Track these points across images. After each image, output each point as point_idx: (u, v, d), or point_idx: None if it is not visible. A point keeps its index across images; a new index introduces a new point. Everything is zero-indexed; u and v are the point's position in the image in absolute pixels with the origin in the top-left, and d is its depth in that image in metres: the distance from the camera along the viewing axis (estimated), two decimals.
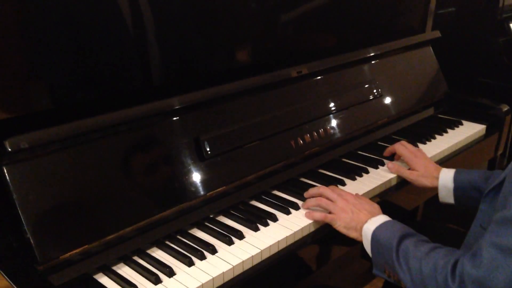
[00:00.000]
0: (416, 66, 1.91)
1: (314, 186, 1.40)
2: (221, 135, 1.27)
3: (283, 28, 1.54)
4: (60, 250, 0.99)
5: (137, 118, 1.15)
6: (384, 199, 1.40)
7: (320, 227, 1.24)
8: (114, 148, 1.10)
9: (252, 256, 1.10)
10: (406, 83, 1.85)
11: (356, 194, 1.26)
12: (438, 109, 1.98)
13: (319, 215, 1.21)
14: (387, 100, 1.73)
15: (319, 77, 1.55)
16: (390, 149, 1.54)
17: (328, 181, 1.40)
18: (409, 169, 1.44)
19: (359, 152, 1.62)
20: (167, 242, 1.15)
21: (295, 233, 1.19)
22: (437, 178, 1.36)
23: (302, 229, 1.20)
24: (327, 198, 1.23)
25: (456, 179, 1.34)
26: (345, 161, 1.56)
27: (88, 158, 1.07)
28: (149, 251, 1.12)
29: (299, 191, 1.35)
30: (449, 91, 1.98)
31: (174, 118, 1.22)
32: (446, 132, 1.79)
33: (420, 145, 1.67)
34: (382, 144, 1.69)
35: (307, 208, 1.26)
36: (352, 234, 1.16)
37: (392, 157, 1.55)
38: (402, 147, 1.48)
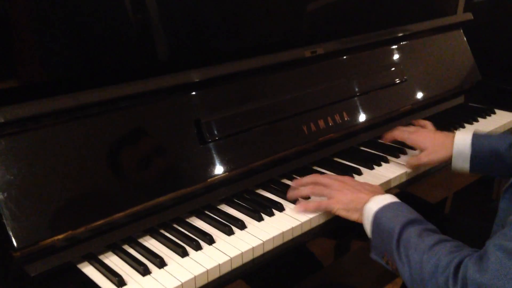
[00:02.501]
0: (446, 50, 1.77)
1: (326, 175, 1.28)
2: (226, 117, 1.17)
3: (298, 5, 1.42)
4: (41, 235, 0.91)
5: (132, 95, 1.06)
6: (405, 190, 1.28)
7: (331, 218, 1.13)
8: (105, 126, 1.02)
9: (253, 247, 1.00)
10: (434, 68, 1.70)
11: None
12: (469, 97, 1.83)
13: (312, 205, 1.09)
14: (413, 85, 1.59)
15: (336, 59, 1.43)
16: (387, 137, 1.40)
17: (343, 170, 1.29)
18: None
19: (380, 141, 1.49)
20: (161, 231, 1.06)
21: (302, 224, 1.08)
22: (450, 146, 1.23)
23: (310, 220, 1.09)
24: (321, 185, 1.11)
25: (474, 144, 1.20)
26: (363, 149, 1.44)
27: (77, 136, 0.98)
28: (140, 240, 1.03)
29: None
30: (481, 78, 1.83)
31: (175, 97, 1.13)
32: (477, 121, 1.64)
33: None
34: None
35: (297, 198, 1.13)
36: (353, 216, 1.04)
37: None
38: (399, 132, 1.36)
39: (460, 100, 1.82)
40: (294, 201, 1.15)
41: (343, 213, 1.06)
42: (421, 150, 1.29)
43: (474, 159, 1.19)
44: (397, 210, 0.97)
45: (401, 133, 1.35)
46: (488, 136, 1.20)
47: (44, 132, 0.95)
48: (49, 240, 0.91)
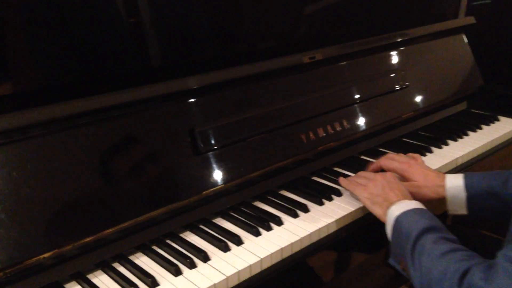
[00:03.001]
0: (448, 55, 1.73)
1: (327, 185, 1.24)
2: (221, 126, 1.12)
3: (295, 8, 1.38)
4: (26, 254, 0.86)
5: (123, 104, 1.01)
6: None
7: (332, 233, 1.08)
8: (93, 137, 0.97)
9: (250, 265, 0.95)
10: (436, 73, 1.66)
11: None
12: (471, 103, 1.79)
13: (346, 182, 1.17)
14: (414, 91, 1.55)
15: (335, 64, 1.39)
16: (374, 166, 1.25)
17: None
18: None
19: (381, 150, 1.44)
20: (154, 247, 1.00)
21: (302, 239, 1.03)
22: (442, 186, 1.13)
23: (310, 235, 1.04)
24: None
25: (468, 186, 1.10)
26: (364, 159, 1.39)
27: (63, 148, 0.93)
28: (131, 257, 0.98)
29: (310, 191, 1.20)
30: (484, 84, 1.79)
31: (168, 105, 1.08)
32: (480, 128, 1.60)
33: (451, 142, 1.48)
34: (408, 141, 1.51)
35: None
36: (376, 210, 1.04)
37: None
38: (389, 161, 1.22)
39: (462, 106, 1.78)
40: (293, 214, 1.10)
41: (367, 203, 1.07)
42: (408, 180, 1.18)
43: (471, 201, 1.11)
44: (418, 215, 0.95)
45: (390, 163, 1.21)
46: (479, 175, 1.12)
47: (29, 144, 0.90)
48: (34, 259, 0.86)
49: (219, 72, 1.14)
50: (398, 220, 0.96)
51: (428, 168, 1.19)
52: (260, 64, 1.22)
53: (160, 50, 1.14)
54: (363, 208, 1.13)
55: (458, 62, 1.76)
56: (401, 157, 1.24)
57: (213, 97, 1.14)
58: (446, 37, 1.73)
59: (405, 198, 1.03)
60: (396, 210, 0.98)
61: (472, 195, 1.10)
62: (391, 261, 0.98)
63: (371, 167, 1.26)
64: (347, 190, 1.18)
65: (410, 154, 1.28)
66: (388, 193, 1.04)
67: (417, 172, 1.16)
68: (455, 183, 1.12)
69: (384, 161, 1.23)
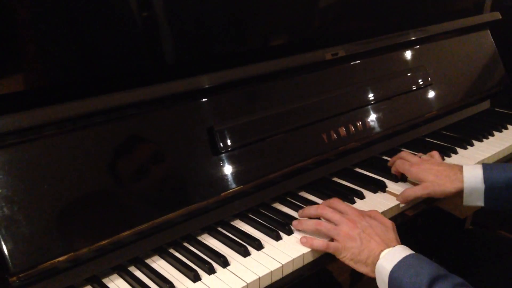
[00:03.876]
0: (472, 52, 1.67)
1: (348, 187, 1.20)
2: (240, 126, 1.08)
3: (317, 4, 1.33)
4: (40, 258, 0.83)
5: (138, 103, 0.98)
6: (433, 205, 1.18)
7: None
8: (108, 137, 0.93)
9: (271, 271, 0.91)
10: (460, 71, 1.60)
11: (361, 211, 1.01)
12: (495, 102, 1.73)
13: (318, 243, 0.96)
14: (438, 89, 1.50)
15: (358, 61, 1.34)
16: (393, 169, 1.23)
17: (365, 182, 1.20)
18: None
19: (403, 150, 1.40)
20: (171, 251, 0.97)
21: None
22: (457, 179, 1.09)
23: None
24: (329, 220, 0.99)
25: (487, 178, 1.07)
26: (387, 160, 1.34)
27: (78, 148, 0.90)
28: (148, 261, 0.95)
29: (331, 193, 1.15)
30: (509, 82, 1.73)
31: (185, 104, 1.04)
32: (506, 128, 1.54)
33: (476, 143, 1.43)
34: (430, 140, 1.46)
35: (301, 230, 1.01)
36: (362, 269, 0.92)
37: None
38: (400, 162, 1.20)
39: (486, 105, 1.72)
40: (312, 218, 1.06)
41: (350, 263, 0.94)
42: (420, 182, 1.14)
43: (489, 193, 1.07)
44: (416, 266, 0.85)
45: (402, 165, 1.19)
46: (499, 166, 1.08)
47: (43, 144, 0.86)
48: (48, 263, 0.83)
49: (238, 69, 1.10)
50: (394, 276, 0.85)
51: (440, 164, 1.16)
52: (280, 61, 1.17)
53: (175, 46, 1.10)
54: (393, 209, 1.09)
55: (483, 59, 1.70)
56: (413, 157, 1.21)
57: (232, 95, 1.10)
58: (470, 33, 1.67)
59: (386, 243, 0.91)
60: (386, 264, 0.87)
61: (491, 186, 1.07)
62: None
63: (393, 169, 1.23)
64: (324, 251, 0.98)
65: (428, 153, 1.25)
66: (368, 245, 0.92)
67: (428, 171, 1.13)
68: (474, 174, 1.08)
69: (397, 162, 1.22)
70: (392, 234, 0.95)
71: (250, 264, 0.93)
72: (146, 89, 0.99)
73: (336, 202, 1.04)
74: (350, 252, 0.93)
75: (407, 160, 1.20)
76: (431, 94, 1.48)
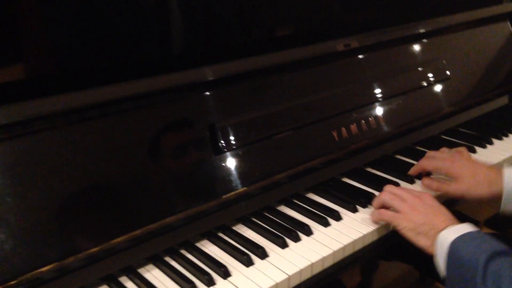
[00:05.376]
0: (490, 44, 1.57)
1: (359, 188, 1.11)
2: (243, 122, 1.00)
3: None
4: (21, 268, 0.74)
5: (135, 96, 0.89)
6: (451, 209, 1.10)
7: (369, 245, 0.96)
8: (98, 133, 0.85)
9: (277, 284, 0.83)
10: (478, 64, 1.51)
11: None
12: None
13: (378, 214, 0.96)
14: (455, 84, 1.40)
15: (372, 53, 1.25)
16: (416, 169, 1.13)
17: (378, 183, 1.11)
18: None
19: (418, 148, 1.31)
20: (167, 259, 0.89)
21: (334, 253, 0.90)
22: (496, 182, 1.00)
23: (344, 248, 0.92)
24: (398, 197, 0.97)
25: None
26: (400, 159, 1.26)
27: (65, 145, 0.82)
28: (141, 270, 0.86)
29: (341, 195, 1.07)
30: None
31: (185, 98, 0.96)
32: None
33: (496, 141, 1.34)
34: (447, 138, 1.38)
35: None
36: (421, 242, 0.89)
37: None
38: (429, 160, 1.10)
39: (503, 100, 1.62)
40: (324, 223, 0.98)
41: (410, 234, 0.91)
42: (455, 181, 1.04)
43: None
44: (479, 239, 0.82)
45: (432, 162, 1.09)
46: None
47: (28, 140, 0.78)
48: (29, 274, 0.75)
49: (242, 61, 1.01)
50: (455, 246, 0.82)
51: (476, 163, 1.06)
52: (288, 53, 1.09)
53: (173, 36, 1.02)
54: None
55: (501, 51, 1.60)
56: (442, 153, 1.11)
57: (235, 89, 1.01)
58: (489, 24, 1.58)
59: (454, 221, 0.89)
60: (448, 235, 0.84)
61: None
62: None
63: (412, 170, 1.13)
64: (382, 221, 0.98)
65: (455, 148, 1.15)
66: (433, 219, 0.89)
67: (464, 169, 1.03)
68: None
69: (424, 162, 1.11)
70: (457, 220, 0.90)
71: (253, 275, 0.84)
72: (141, 82, 0.91)
73: (405, 188, 1.02)
74: (412, 222, 0.90)
75: (436, 157, 1.10)
76: (448, 88, 1.38)
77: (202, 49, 1.04)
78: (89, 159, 0.83)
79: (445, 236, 0.84)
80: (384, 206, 0.98)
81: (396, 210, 0.94)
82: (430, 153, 1.14)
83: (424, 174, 1.13)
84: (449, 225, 0.87)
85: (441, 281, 0.86)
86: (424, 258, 0.91)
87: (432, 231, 0.88)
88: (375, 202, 1.00)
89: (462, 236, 0.83)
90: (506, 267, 0.75)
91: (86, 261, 0.81)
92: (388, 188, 1.00)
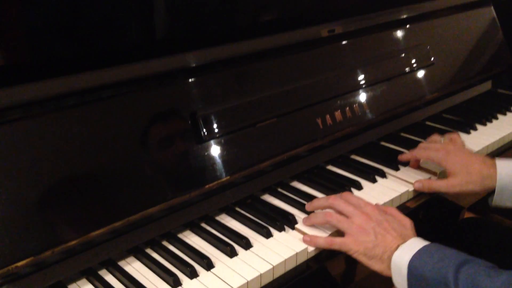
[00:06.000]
0: (474, 30, 1.56)
1: (343, 176, 1.10)
2: (226, 110, 0.97)
3: None
4: None
5: (113, 84, 0.86)
6: (435, 196, 1.09)
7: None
8: (75, 122, 0.82)
9: (261, 274, 0.81)
10: (462, 49, 1.50)
11: (377, 205, 0.91)
12: (497, 83, 1.63)
13: (323, 241, 0.86)
14: (439, 69, 1.39)
15: (356, 39, 1.23)
16: (408, 157, 1.10)
17: (363, 171, 1.10)
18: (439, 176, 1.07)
19: (403, 135, 1.30)
20: (148, 251, 0.87)
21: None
22: (490, 176, 0.98)
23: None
24: (339, 212, 0.89)
25: None
26: (385, 146, 1.25)
27: (38, 135, 0.78)
28: (121, 263, 0.84)
29: (326, 183, 1.06)
30: None
31: (165, 85, 0.93)
32: (510, 111, 1.45)
33: (480, 127, 1.34)
34: (431, 124, 1.37)
35: (310, 226, 0.91)
36: (376, 266, 0.82)
37: None
38: (422, 150, 1.07)
39: (487, 86, 1.62)
40: (307, 212, 0.96)
41: (362, 259, 0.83)
42: (448, 173, 1.02)
43: None
44: (438, 252, 0.76)
45: (425, 152, 1.06)
46: None
47: (2, 130, 0.75)
48: (5, 269, 0.72)
49: (223, 47, 0.99)
50: (414, 265, 0.76)
51: (470, 154, 1.03)
52: (271, 38, 1.06)
53: (157, 21, 0.98)
54: (394, 200, 1.01)
55: (485, 37, 1.60)
56: (436, 144, 1.09)
57: (216, 76, 0.99)
58: (472, 9, 1.57)
59: (404, 238, 0.83)
60: (403, 255, 0.78)
61: None
62: None
63: (404, 158, 1.11)
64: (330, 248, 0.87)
65: (448, 134, 1.13)
66: (383, 239, 0.82)
67: (458, 165, 1.00)
68: (509, 172, 0.96)
69: (416, 151, 1.09)
70: (410, 231, 0.85)
71: (237, 266, 0.83)
72: (119, 68, 0.88)
73: (348, 195, 0.93)
74: (363, 247, 0.82)
75: (430, 148, 1.06)
76: (432, 74, 1.37)
77: (182, 35, 1.01)
78: (65, 149, 0.80)
79: (400, 256, 0.79)
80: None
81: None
82: (423, 144, 1.12)
83: (412, 163, 1.12)
84: (400, 244, 0.81)
85: None
86: None
87: (385, 254, 0.81)
88: (316, 219, 0.90)
89: (418, 253, 0.77)
90: (478, 272, 0.71)
91: (64, 255, 0.79)
92: (334, 201, 0.90)
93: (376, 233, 0.83)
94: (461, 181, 0.99)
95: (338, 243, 0.85)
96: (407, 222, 0.87)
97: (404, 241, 0.81)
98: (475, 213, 2.08)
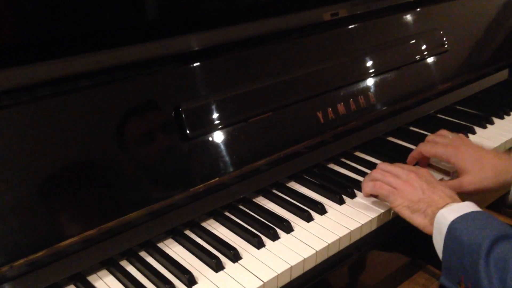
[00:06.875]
0: (490, 13, 1.44)
1: (347, 176, 1.00)
2: (215, 103, 0.87)
3: None
4: None
5: (86, 73, 0.76)
6: None
7: (356, 242, 0.85)
8: (45, 116, 0.72)
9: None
10: (476, 35, 1.38)
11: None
12: None
13: (373, 185, 0.87)
14: (453, 57, 1.28)
15: (362, 23, 1.11)
16: (414, 154, 1.01)
17: (368, 169, 1.00)
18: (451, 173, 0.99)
19: (412, 129, 1.20)
20: (122, 263, 0.77)
21: (317, 253, 0.79)
22: (503, 172, 0.90)
23: (328, 247, 0.81)
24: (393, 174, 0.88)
25: None
26: (392, 141, 1.14)
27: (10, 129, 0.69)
28: (91, 278, 0.75)
29: (326, 184, 0.96)
30: None
31: (146, 75, 0.82)
32: None
33: (496, 120, 1.23)
34: (443, 117, 1.26)
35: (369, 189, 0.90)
36: (417, 220, 0.81)
37: None
38: (430, 145, 0.98)
39: (504, 75, 1.50)
40: (307, 218, 0.86)
41: (405, 212, 0.82)
42: (460, 172, 0.93)
43: None
44: (483, 220, 0.74)
45: (433, 148, 0.97)
46: None
47: None
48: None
49: (213, 32, 0.88)
50: (454, 227, 0.74)
51: (481, 150, 0.94)
52: (268, 22, 0.96)
53: (139, 3, 0.88)
54: None
55: (502, 22, 1.47)
56: (444, 138, 0.99)
57: (206, 65, 0.88)
58: None
59: (453, 199, 0.81)
60: (447, 215, 0.76)
61: None
62: (443, 279, 0.76)
63: (410, 158, 1.01)
64: (373, 197, 0.91)
65: (455, 134, 1.02)
66: (431, 196, 0.81)
67: (469, 160, 0.92)
68: None
69: (423, 147, 0.99)
70: (457, 197, 0.82)
71: (223, 281, 0.73)
72: (96, 56, 0.78)
73: (398, 164, 0.92)
74: (408, 199, 0.82)
75: (438, 143, 0.98)
76: (446, 62, 1.26)
77: (166, 18, 0.90)
78: (31, 146, 0.70)
79: (444, 215, 0.76)
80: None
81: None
82: (430, 137, 1.02)
83: (421, 162, 1.02)
84: (449, 203, 0.78)
85: (434, 263, 0.78)
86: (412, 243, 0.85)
87: (429, 208, 0.79)
88: (366, 179, 0.91)
89: (463, 217, 0.74)
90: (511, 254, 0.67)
91: (29, 268, 0.70)
92: (381, 165, 0.91)
93: (424, 189, 0.82)
94: (474, 178, 0.91)
95: (386, 189, 0.85)
96: (454, 193, 0.84)
97: (454, 201, 0.79)
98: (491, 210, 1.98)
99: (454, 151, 0.94)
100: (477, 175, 0.90)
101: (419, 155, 1.00)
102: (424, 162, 1.02)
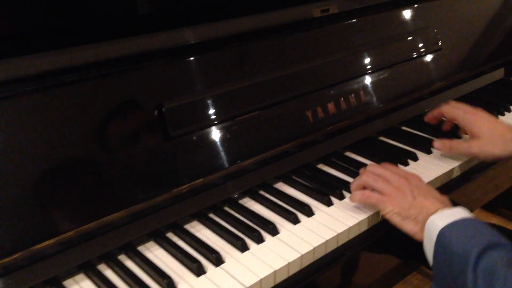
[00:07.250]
0: (485, 11, 1.41)
1: (336, 177, 0.97)
2: (199, 101, 0.84)
3: None
4: None
5: (65, 69, 0.74)
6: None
7: (345, 244, 0.83)
8: (22, 113, 0.69)
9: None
10: (472, 33, 1.36)
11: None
12: (510, 70, 1.49)
13: (362, 195, 0.85)
14: (447, 56, 1.25)
15: (353, 20, 1.08)
16: (434, 113, 1.08)
17: (358, 170, 0.97)
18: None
19: (404, 129, 1.17)
20: (100, 268, 0.75)
21: (302, 257, 0.77)
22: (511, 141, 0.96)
23: (314, 250, 0.78)
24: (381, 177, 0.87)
25: None
26: (384, 141, 1.12)
27: None
28: (67, 283, 0.72)
29: (314, 185, 0.93)
30: None
31: (127, 72, 0.80)
32: None
33: None
34: None
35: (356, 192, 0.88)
36: (408, 227, 0.80)
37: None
38: (451, 108, 1.05)
39: (499, 74, 1.48)
40: (293, 220, 0.84)
41: (395, 219, 0.81)
42: (473, 137, 0.99)
43: None
44: (472, 228, 0.73)
45: (454, 110, 1.04)
46: None
47: None
48: None
49: (197, 28, 0.85)
50: (444, 234, 0.73)
51: (496, 120, 1.03)
52: (254, 18, 0.93)
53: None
54: None
55: (498, 20, 1.45)
56: (464, 105, 1.05)
57: (190, 62, 0.86)
58: None
59: (445, 205, 0.79)
60: (438, 221, 0.75)
61: None
62: (435, 287, 0.76)
63: (430, 115, 1.10)
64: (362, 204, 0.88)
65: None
66: (421, 202, 0.80)
67: (484, 124, 0.98)
68: None
69: (445, 108, 1.06)
70: (449, 203, 0.82)
71: (203, 286, 0.71)
72: (75, 51, 0.75)
73: (389, 165, 0.92)
74: (398, 206, 0.81)
75: (459, 108, 1.04)
76: (440, 60, 1.23)
77: (148, 13, 0.87)
78: (3, 144, 0.68)
79: (434, 222, 0.75)
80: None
81: (380, 193, 0.84)
82: (453, 102, 1.08)
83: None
84: (440, 209, 0.77)
85: (427, 264, 0.77)
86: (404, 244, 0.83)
87: (420, 215, 0.78)
88: (355, 183, 0.89)
89: (454, 224, 0.74)
90: (500, 264, 0.66)
91: (2, 271, 0.68)
92: (371, 168, 0.90)
93: (414, 195, 0.81)
94: (482, 143, 0.98)
95: (375, 198, 0.83)
96: (446, 198, 0.83)
97: (445, 206, 0.79)
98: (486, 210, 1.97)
99: (472, 118, 0.99)
100: (485, 141, 0.96)
101: (439, 114, 1.07)
102: (448, 127, 1.10)
